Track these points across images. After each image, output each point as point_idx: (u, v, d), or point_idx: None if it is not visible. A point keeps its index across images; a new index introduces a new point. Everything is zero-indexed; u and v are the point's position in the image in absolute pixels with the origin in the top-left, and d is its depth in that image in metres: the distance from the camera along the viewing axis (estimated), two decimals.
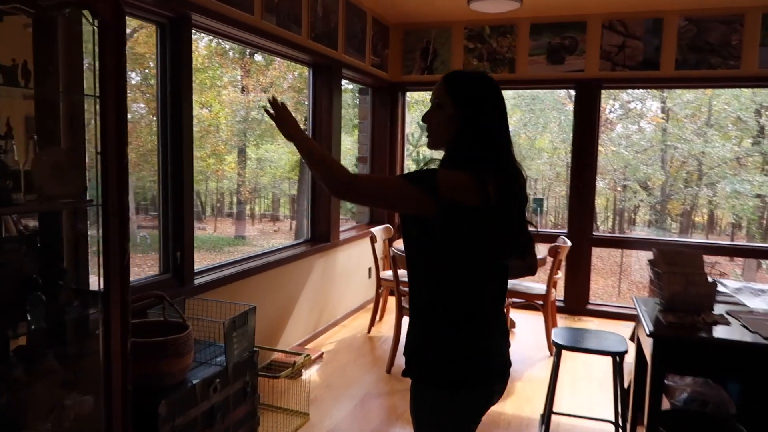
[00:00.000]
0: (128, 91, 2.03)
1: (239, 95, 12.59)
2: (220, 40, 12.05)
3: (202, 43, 11.70)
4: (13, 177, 1.90)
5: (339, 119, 4.72)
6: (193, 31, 3.10)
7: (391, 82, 5.72)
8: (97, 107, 1.90)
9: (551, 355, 4.30)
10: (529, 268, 1.72)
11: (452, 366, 1.51)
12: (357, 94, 6.45)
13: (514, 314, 5.11)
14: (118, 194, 1.97)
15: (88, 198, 2.02)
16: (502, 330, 1.63)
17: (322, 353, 4.22)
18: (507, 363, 1.62)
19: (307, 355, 3.53)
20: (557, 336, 2.90)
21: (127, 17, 2.70)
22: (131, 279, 2.98)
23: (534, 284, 4.52)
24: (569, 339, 2.89)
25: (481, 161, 1.46)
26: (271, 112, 1.63)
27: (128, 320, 2.03)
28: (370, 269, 5.52)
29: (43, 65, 2.00)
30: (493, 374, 1.55)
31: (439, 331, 1.52)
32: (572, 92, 5.72)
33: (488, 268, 1.54)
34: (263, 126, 12.61)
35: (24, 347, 1.97)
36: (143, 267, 8.14)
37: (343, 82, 4.91)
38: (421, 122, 1.72)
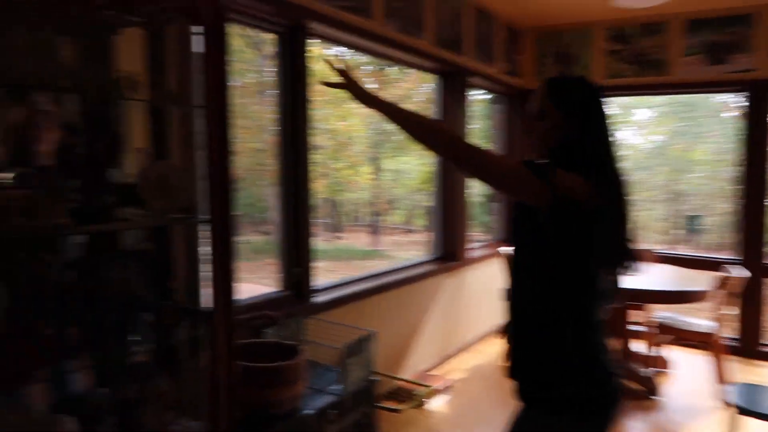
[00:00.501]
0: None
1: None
2: (355, 55, 12.40)
3: (337, 59, 11.99)
4: (121, 191, 1.85)
5: (466, 128, 4.41)
6: (316, 40, 2.98)
7: (525, 89, 5.28)
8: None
9: (721, 407, 3.59)
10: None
11: (582, 388, 1.42)
12: (490, 104, 6.09)
13: (672, 351, 4.41)
14: (221, 210, 1.84)
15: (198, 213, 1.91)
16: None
17: (450, 382, 3.89)
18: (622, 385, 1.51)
19: (432, 386, 3.23)
20: (736, 395, 2.32)
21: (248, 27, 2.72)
22: (251, 295, 2.97)
23: (697, 320, 3.85)
24: (752, 400, 2.29)
25: (588, 168, 1.41)
26: (336, 81, 1.57)
27: (234, 343, 1.88)
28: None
29: (153, 77, 1.93)
30: (617, 397, 1.46)
31: (564, 345, 1.44)
32: (733, 97, 4.87)
33: (598, 277, 1.47)
34: (397, 138, 12.65)
35: (133, 367, 1.90)
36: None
37: (475, 91, 4.59)
38: (525, 130, 1.58)
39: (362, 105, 1.55)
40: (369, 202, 14.33)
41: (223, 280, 1.85)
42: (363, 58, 12.26)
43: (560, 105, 1.47)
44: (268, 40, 2.92)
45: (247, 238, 11.00)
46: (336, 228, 14.18)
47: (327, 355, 2.60)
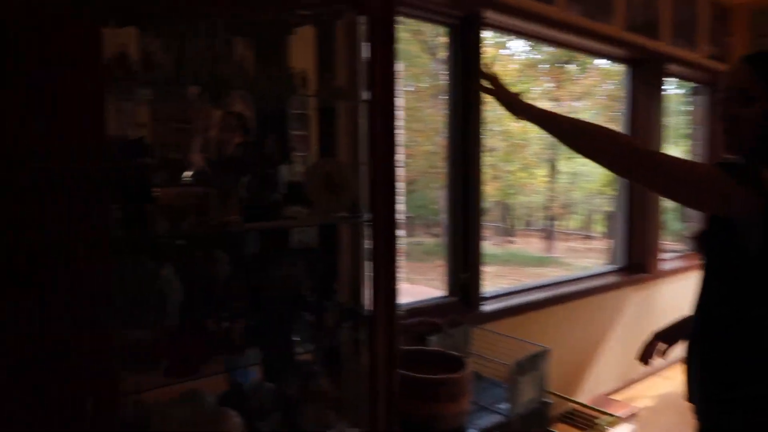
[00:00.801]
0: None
1: (551, 107, 12.09)
2: (531, 53, 11.92)
3: (514, 59, 11.67)
4: (290, 189, 1.84)
5: (662, 124, 3.87)
6: (490, 32, 2.79)
7: None
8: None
9: None
10: None
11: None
12: (687, 97, 5.35)
13: None
14: (384, 210, 1.74)
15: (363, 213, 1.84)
16: None
17: (635, 410, 3.43)
18: None
19: (614, 414, 2.86)
20: None
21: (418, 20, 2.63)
22: (417, 298, 2.87)
23: None
24: None
25: None
26: (488, 87, 1.44)
27: (395, 350, 1.78)
28: None
29: (322, 74, 1.90)
30: None
31: (754, 345, 1.28)
32: None
33: None
34: None
35: (297, 365, 1.89)
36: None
37: (670, 82, 4.03)
38: (721, 119, 1.29)
39: (512, 115, 1.41)
40: (543, 206, 13.68)
41: (385, 282, 1.76)
42: (538, 55, 11.82)
43: None
44: (443, 44, 2.79)
45: (418, 240, 11.12)
46: (507, 232, 13.76)
47: (493, 369, 2.40)
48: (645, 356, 1.67)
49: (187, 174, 1.80)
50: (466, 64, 2.69)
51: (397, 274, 1.78)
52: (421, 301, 2.68)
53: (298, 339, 1.72)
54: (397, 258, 1.78)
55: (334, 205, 1.79)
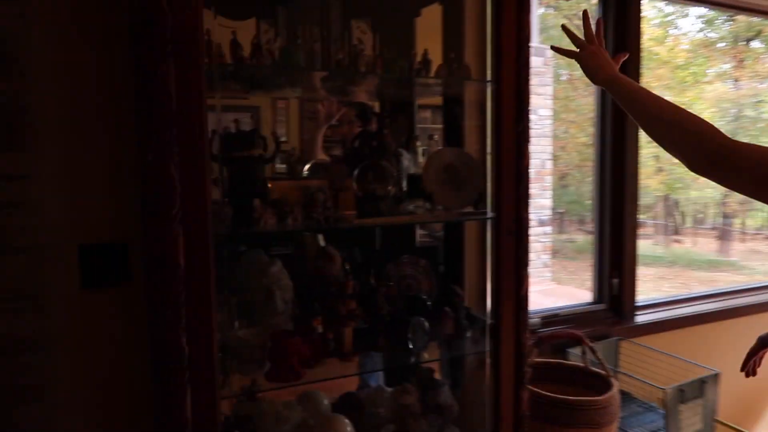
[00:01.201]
0: None
1: (729, 90, 10.70)
2: (705, 32, 10.59)
3: (685, 38, 10.51)
4: (413, 182, 1.71)
5: None
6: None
7: None
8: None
9: None
10: None
11: None
12: None
13: None
14: (514, 207, 1.53)
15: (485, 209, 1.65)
16: None
17: None
18: None
19: None
20: None
21: None
22: (561, 303, 2.58)
23: None
24: None
25: None
26: (571, 49, 1.32)
27: (523, 366, 1.57)
28: None
29: (448, 56, 1.73)
30: None
31: None
32: None
33: None
34: (760, 125, 10.40)
35: (415, 372, 1.75)
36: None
37: None
38: None
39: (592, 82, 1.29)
40: (717, 202, 12.16)
41: (513, 288, 1.55)
42: (713, 33, 10.46)
43: None
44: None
45: (570, 237, 10.46)
46: (673, 230, 12.43)
47: (647, 391, 2.07)
48: (748, 366, 1.41)
49: (306, 167, 1.74)
50: (619, 40, 2.35)
51: (527, 279, 1.56)
52: (563, 308, 2.40)
53: (416, 346, 1.57)
54: (528, 261, 1.56)
55: (455, 200, 1.62)
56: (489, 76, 1.58)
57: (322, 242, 1.57)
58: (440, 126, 1.87)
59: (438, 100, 1.90)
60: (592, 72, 1.28)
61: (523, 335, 1.56)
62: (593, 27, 1.33)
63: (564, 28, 1.39)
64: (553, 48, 1.38)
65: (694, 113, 1.08)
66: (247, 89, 1.71)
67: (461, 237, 1.83)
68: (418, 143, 1.81)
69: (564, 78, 10.43)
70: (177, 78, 1.13)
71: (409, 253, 1.75)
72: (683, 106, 1.08)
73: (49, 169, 1.31)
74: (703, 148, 1.02)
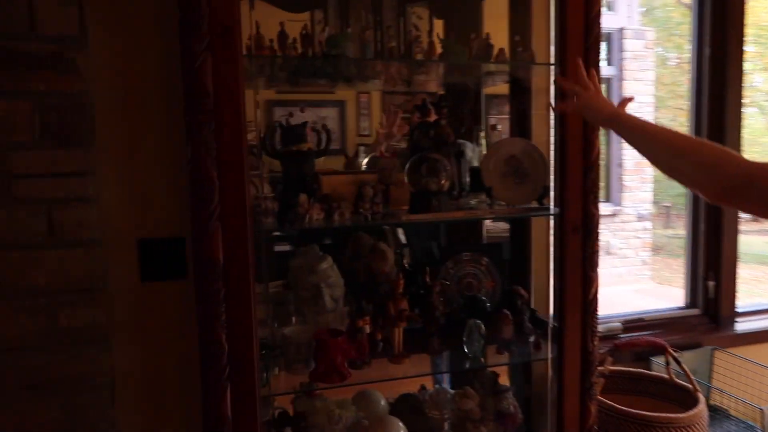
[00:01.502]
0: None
1: None
2: None
3: None
4: (475, 175, 1.62)
5: None
6: None
7: None
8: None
9: None
10: None
11: None
12: None
13: None
14: (581, 201, 1.40)
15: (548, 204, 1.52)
16: None
17: None
18: None
19: None
20: None
21: None
22: (650, 309, 2.36)
23: None
24: None
25: None
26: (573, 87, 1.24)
27: (591, 376, 1.44)
28: None
29: (515, 41, 1.61)
30: None
31: None
32: None
33: None
34: None
35: (477, 376, 1.66)
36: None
37: None
38: None
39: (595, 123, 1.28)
40: None
41: (580, 291, 1.42)
42: None
43: None
44: None
45: (675, 233, 9.73)
46: None
47: (743, 407, 1.84)
48: None
49: (365, 161, 1.70)
50: (720, 10, 2.09)
51: (596, 281, 1.42)
52: (650, 312, 2.20)
53: (471, 350, 1.48)
54: (597, 261, 1.42)
55: (517, 195, 1.51)
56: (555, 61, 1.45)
57: (400, 236, 1.52)
58: (506, 116, 1.75)
59: (505, 88, 1.78)
60: (594, 112, 1.22)
61: (591, 342, 1.43)
62: (586, 74, 1.27)
63: (557, 80, 1.35)
64: (551, 107, 1.27)
65: (708, 142, 1.03)
66: (332, 83, 1.69)
67: (527, 234, 1.71)
68: (482, 134, 1.72)
69: (672, 63, 9.68)
70: (215, 72, 1.13)
71: (473, 250, 1.66)
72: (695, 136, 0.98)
73: (110, 165, 1.36)
74: (718, 178, 0.97)
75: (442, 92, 1.77)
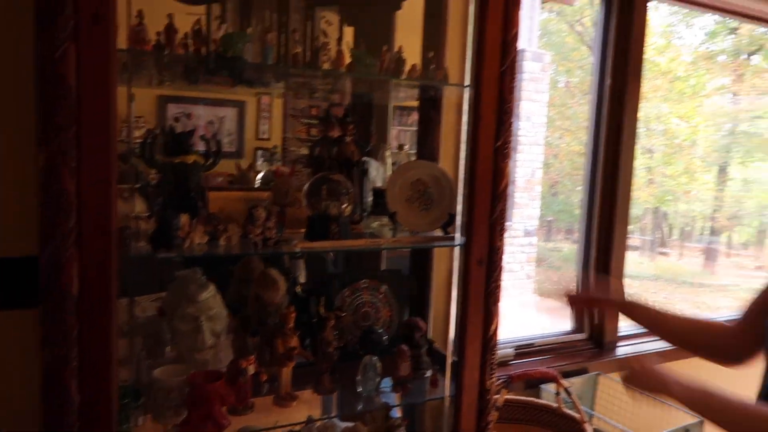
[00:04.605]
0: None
1: (726, 105, 10.61)
2: (707, 44, 10.45)
3: (686, 50, 10.38)
4: (377, 197, 1.52)
5: None
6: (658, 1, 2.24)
7: None
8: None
9: None
10: None
11: None
12: None
13: None
14: (488, 234, 1.34)
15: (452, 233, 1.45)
16: None
17: None
18: None
19: None
20: None
21: None
22: (533, 330, 2.40)
23: None
24: None
25: None
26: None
27: (487, 414, 1.39)
28: None
29: (427, 56, 1.53)
30: None
31: None
32: None
33: None
34: (755, 141, 10.33)
35: (370, 409, 1.55)
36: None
37: None
38: None
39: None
40: (706, 217, 12.07)
41: (480, 326, 1.36)
42: (714, 46, 10.33)
43: None
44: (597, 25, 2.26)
45: (557, 246, 10.34)
46: (660, 244, 12.34)
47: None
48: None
49: (258, 176, 1.54)
50: (622, 45, 2.15)
51: (497, 317, 1.37)
52: (539, 337, 2.22)
53: (365, 389, 1.38)
54: (499, 296, 1.37)
55: (422, 222, 1.43)
56: (469, 82, 1.38)
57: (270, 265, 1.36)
58: (414, 130, 1.67)
59: (415, 104, 1.70)
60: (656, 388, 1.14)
61: (489, 381, 1.37)
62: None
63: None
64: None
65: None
66: (231, 83, 1.50)
67: (429, 261, 1.64)
68: (388, 153, 1.62)
69: (561, 85, 10.27)
70: (80, 65, 0.93)
71: (372, 277, 1.55)
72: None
73: None
74: None
75: (348, 103, 1.66)
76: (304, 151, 1.59)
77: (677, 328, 1.26)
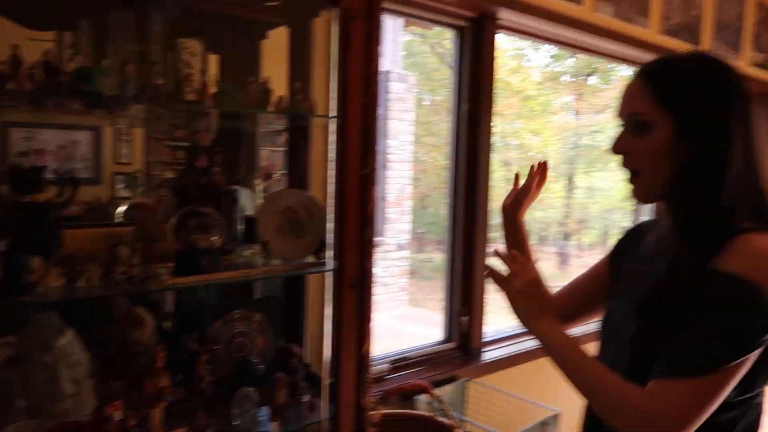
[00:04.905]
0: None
1: (570, 121, 11.76)
2: (553, 65, 11.53)
3: (536, 71, 11.34)
4: (249, 226, 1.52)
5: None
6: (504, 33, 2.46)
7: None
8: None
9: None
10: None
11: None
12: None
13: None
14: (359, 257, 1.40)
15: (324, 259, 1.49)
16: None
17: None
18: None
19: None
20: None
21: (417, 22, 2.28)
22: (408, 342, 2.51)
23: None
24: None
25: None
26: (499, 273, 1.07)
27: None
28: None
29: (295, 84, 1.56)
30: None
31: None
32: None
33: None
34: (595, 153, 11.53)
35: None
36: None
37: None
38: (612, 152, 0.96)
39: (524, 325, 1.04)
40: (559, 222, 13.25)
41: (354, 346, 1.41)
42: (559, 68, 11.43)
43: (677, 108, 0.90)
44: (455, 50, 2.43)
45: (428, 257, 10.76)
46: None
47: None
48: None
49: (120, 211, 1.48)
50: (475, 72, 2.33)
51: (370, 336, 1.43)
52: (413, 350, 2.32)
53: (243, 422, 1.37)
54: (371, 316, 1.43)
55: (294, 249, 1.46)
56: (335, 112, 1.44)
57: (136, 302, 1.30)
58: (285, 162, 1.69)
59: (284, 134, 1.73)
60: (525, 313, 1.03)
61: (365, 399, 1.42)
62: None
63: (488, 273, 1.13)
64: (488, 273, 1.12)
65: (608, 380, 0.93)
66: (87, 111, 1.41)
67: (302, 287, 1.66)
68: (257, 181, 1.63)
69: (426, 103, 10.77)
70: None
71: (245, 306, 1.54)
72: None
73: None
74: (619, 411, 0.89)
75: (215, 131, 1.64)
76: (170, 174, 1.56)
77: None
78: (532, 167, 1.28)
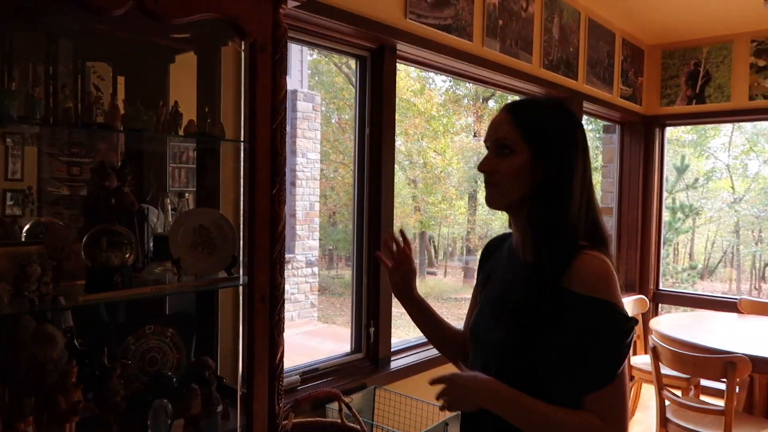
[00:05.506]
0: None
1: (471, 141, 12.35)
2: (454, 88, 12.11)
3: (438, 93, 11.80)
4: (159, 244, 1.56)
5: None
6: (403, 63, 2.64)
7: (645, 116, 4.64)
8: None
9: None
10: None
11: None
12: (599, 134, 5.47)
13: None
14: (269, 272, 1.48)
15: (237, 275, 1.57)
16: None
17: None
18: None
19: None
20: None
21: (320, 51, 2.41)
22: (319, 357, 2.60)
23: None
24: None
25: (596, 234, 1.12)
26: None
27: None
28: None
29: (203, 108, 1.64)
30: None
31: None
32: None
33: None
34: None
35: None
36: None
37: (585, 119, 4.04)
38: (479, 170, 1.17)
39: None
40: (462, 237, 13.80)
41: (266, 358, 1.49)
42: (460, 91, 12.01)
43: (534, 139, 1.11)
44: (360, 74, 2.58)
45: (338, 273, 10.83)
46: (428, 263, 13.74)
47: None
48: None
49: (25, 228, 1.48)
50: (377, 98, 2.49)
51: (282, 347, 1.51)
52: (323, 361, 2.41)
53: (160, 429, 1.40)
54: (282, 328, 1.52)
55: (206, 265, 1.52)
56: (243, 136, 1.53)
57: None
58: (195, 182, 1.75)
59: (194, 154, 1.78)
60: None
61: (278, 407, 1.50)
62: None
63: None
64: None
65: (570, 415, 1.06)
66: None
67: (215, 301, 1.72)
68: (167, 200, 1.67)
69: (333, 121, 10.94)
70: None
71: (157, 322, 1.58)
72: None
73: None
74: None
75: (124, 152, 1.67)
76: (65, 191, 1.56)
77: (439, 325, 1.40)
78: (396, 237, 1.38)
